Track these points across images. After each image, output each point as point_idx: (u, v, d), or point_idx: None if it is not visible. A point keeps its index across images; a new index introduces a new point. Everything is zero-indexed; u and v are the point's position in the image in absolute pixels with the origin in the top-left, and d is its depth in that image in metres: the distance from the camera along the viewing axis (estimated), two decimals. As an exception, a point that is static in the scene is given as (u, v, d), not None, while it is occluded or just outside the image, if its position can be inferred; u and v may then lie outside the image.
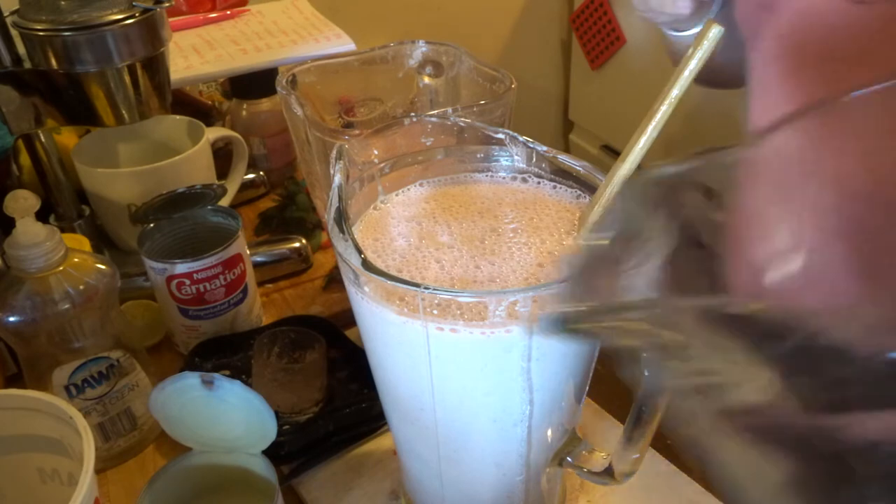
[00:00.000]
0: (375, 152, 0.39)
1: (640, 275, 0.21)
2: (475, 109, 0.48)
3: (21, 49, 0.56)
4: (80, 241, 0.60)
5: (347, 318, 0.44)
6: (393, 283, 0.30)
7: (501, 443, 0.37)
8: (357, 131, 0.48)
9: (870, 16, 0.34)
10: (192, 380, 0.41)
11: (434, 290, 0.30)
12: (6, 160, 0.68)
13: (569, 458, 0.40)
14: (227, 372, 0.56)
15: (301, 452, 0.50)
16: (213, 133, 0.71)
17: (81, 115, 0.59)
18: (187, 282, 0.57)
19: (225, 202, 0.69)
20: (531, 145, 0.40)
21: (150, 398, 0.42)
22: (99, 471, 0.50)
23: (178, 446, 0.44)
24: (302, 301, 0.68)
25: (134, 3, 0.55)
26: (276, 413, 0.42)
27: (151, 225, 0.59)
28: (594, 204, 0.33)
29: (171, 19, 0.72)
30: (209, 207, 0.61)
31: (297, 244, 0.71)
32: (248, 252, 0.61)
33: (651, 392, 0.33)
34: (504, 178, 0.41)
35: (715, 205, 0.20)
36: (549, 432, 0.37)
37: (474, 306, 0.30)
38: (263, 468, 0.43)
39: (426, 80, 0.59)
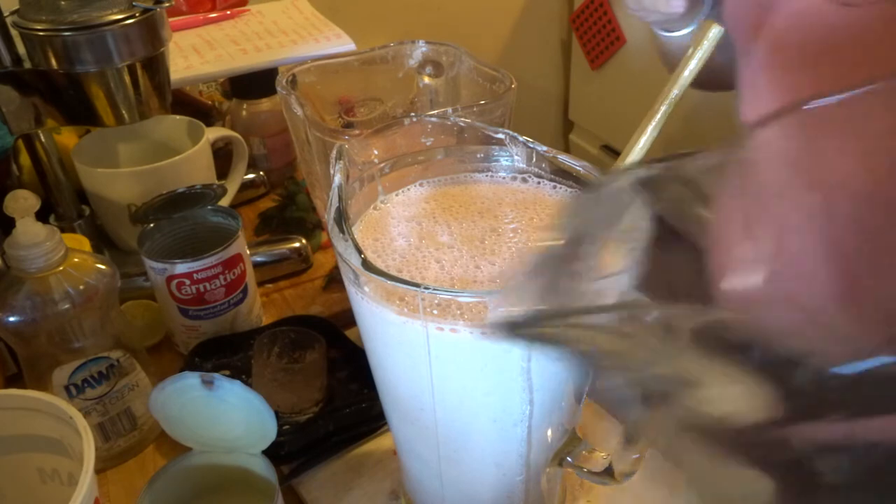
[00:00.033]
0: (375, 152, 0.39)
1: (615, 277, 0.21)
2: (475, 109, 0.48)
3: (21, 49, 0.56)
4: (80, 241, 0.60)
5: (347, 318, 0.44)
6: (393, 283, 0.30)
7: (501, 443, 0.37)
8: (357, 131, 0.48)
9: (869, 16, 0.34)
10: (192, 380, 0.41)
11: (434, 290, 0.30)
12: (6, 160, 0.68)
13: (569, 458, 0.40)
14: (227, 372, 0.56)
15: (301, 452, 0.50)
16: (213, 133, 0.71)
17: (81, 115, 0.59)
18: (187, 282, 0.57)
19: (225, 202, 0.69)
20: (531, 145, 0.40)
21: (150, 398, 0.42)
22: (99, 471, 0.50)
23: (178, 446, 0.44)
24: (302, 301, 0.68)
25: (134, 3, 0.55)
26: (276, 413, 0.42)
27: (151, 225, 0.59)
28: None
29: (171, 19, 0.72)
30: (209, 207, 0.61)
31: (297, 244, 0.71)
32: (248, 252, 0.61)
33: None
34: (504, 178, 0.41)
35: (699, 199, 0.20)
36: (549, 432, 0.37)
37: (474, 306, 0.30)
38: (263, 468, 0.43)
39: (426, 80, 0.59)
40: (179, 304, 0.58)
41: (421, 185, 0.41)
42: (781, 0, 0.39)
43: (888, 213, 0.17)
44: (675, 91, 0.37)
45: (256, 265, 0.67)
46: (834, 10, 0.35)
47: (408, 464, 0.43)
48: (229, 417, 0.42)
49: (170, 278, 0.57)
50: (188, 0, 0.87)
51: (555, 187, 0.40)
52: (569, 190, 0.39)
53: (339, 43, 0.78)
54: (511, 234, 0.36)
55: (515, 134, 0.40)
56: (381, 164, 0.39)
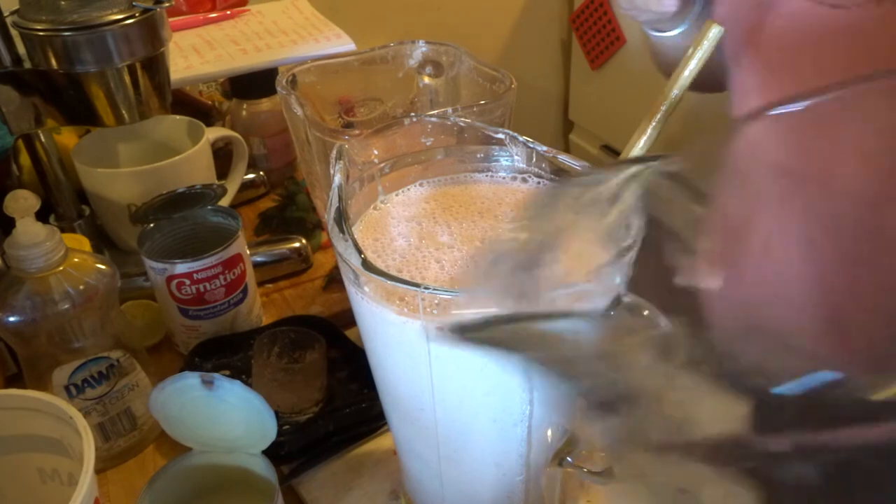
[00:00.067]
0: (375, 152, 0.39)
1: (576, 287, 0.21)
2: (475, 109, 0.48)
3: (21, 49, 0.56)
4: (80, 241, 0.60)
5: (347, 318, 0.44)
6: (393, 283, 0.30)
7: (501, 443, 0.37)
8: (357, 131, 0.48)
9: (858, 17, 0.34)
10: (192, 380, 0.41)
11: (434, 290, 0.30)
12: (6, 160, 0.68)
13: (569, 458, 0.40)
14: (227, 372, 0.56)
15: (301, 452, 0.50)
16: (213, 133, 0.71)
17: (81, 115, 0.59)
18: (187, 282, 0.57)
19: (225, 202, 0.69)
20: (531, 145, 0.40)
21: (150, 398, 0.42)
22: (99, 471, 0.50)
23: (178, 446, 0.44)
24: (302, 301, 0.68)
25: (134, 3, 0.55)
26: (276, 413, 0.42)
27: (151, 225, 0.59)
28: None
29: (171, 19, 0.72)
30: (209, 207, 0.61)
31: (297, 244, 0.71)
32: (248, 252, 0.61)
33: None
34: (504, 178, 0.41)
35: (694, 197, 0.20)
36: (549, 432, 0.37)
37: (474, 306, 0.30)
38: (263, 468, 0.43)
39: (426, 80, 0.59)
40: (179, 304, 0.58)
41: (421, 185, 0.41)
42: (774, 3, 0.39)
43: (888, 213, 0.17)
44: (675, 91, 0.37)
45: (256, 265, 0.67)
46: (824, 13, 0.35)
47: (408, 464, 0.43)
48: (229, 417, 0.42)
49: (170, 278, 0.57)
50: (188, 0, 0.87)
51: (555, 187, 0.40)
52: (569, 190, 0.39)
53: (339, 43, 0.78)
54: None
55: (515, 134, 0.40)
56: (381, 164, 0.39)
